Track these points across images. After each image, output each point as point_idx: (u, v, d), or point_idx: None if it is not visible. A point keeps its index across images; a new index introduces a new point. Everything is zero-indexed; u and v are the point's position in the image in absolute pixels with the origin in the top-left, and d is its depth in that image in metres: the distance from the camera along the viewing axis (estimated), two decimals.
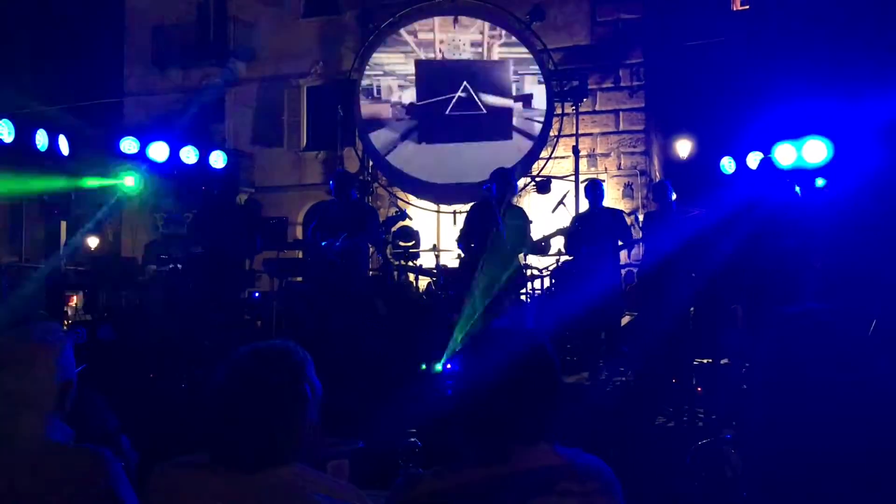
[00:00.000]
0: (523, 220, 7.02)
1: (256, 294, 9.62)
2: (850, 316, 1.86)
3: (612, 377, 6.53)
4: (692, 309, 7.00)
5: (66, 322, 9.08)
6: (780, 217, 6.24)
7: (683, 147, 14.15)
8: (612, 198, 14.05)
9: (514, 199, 9.01)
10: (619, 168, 15.29)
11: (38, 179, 8.45)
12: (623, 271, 8.21)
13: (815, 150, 6.70)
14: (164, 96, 18.34)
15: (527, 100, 13.48)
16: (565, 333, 7.22)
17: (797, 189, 6.68)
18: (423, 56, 14.21)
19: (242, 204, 16.29)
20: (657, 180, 14.32)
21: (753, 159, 7.74)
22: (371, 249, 8.02)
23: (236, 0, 18.59)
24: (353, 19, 16.92)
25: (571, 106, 13.00)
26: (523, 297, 8.02)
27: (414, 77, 14.01)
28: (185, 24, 18.93)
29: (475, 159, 12.53)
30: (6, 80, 17.17)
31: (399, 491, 1.72)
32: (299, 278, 8.81)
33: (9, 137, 7.33)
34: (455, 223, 12.06)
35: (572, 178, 12.52)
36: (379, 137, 13.71)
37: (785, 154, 6.84)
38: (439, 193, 13.24)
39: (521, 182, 12.86)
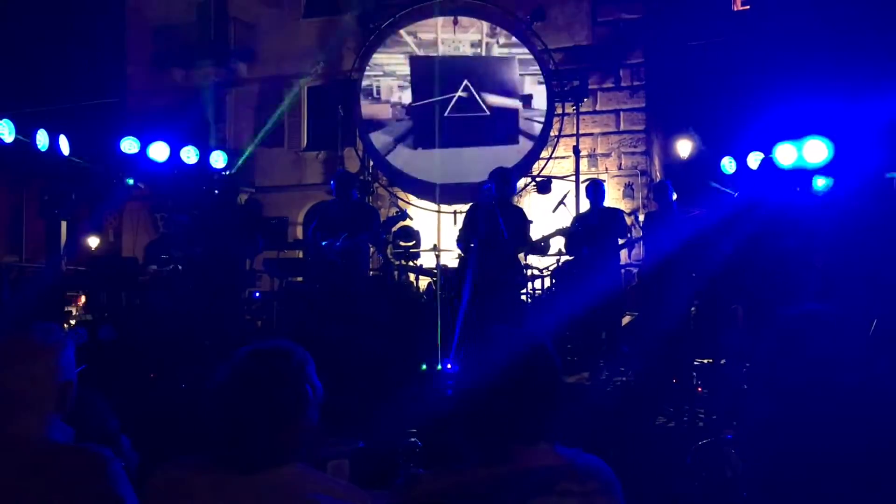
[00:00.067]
0: (523, 220, 7.03)
1: (257, 294, 9.63)
2: (851, 317, 1.86)
3: (612, 377, 6.53)
4: (694, 309, 7.01)
5: (70, 322, 9.09)
6: (780, 217, 6.24)
7: (684, 147, 14.15)
8: (613, 198, 14.04)
9: (515, 199, 9.00)
10: (619, 168, 15.27)
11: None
12: (623, 271, 8.21)
13: (815, 151, 6.70)
14: (164, 96, 18.33)
15: (527, 100, 13.47)
16: (566, 333, 7.23)
17: (817, 183, 6.67)
18: (419, 53, 13.93)
19: (243, 204, 16.30)
20: (658, 180, 14.32)
21: (754, 159, 7.74)
22: (371, 249, 8.02)
23: (237, 0, 18.59)
24: (353, 19, 16.89)
25: (572, 106, 13.01)
26: (524, 297, 8.02)
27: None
28: (185, 25, 18.91)
29: (476, 160, 12.46)
30: (6, 80, 17.19)
31: (399, 491, 1.73)
32: (300, 278, 8.82)
33: (9, 137, 7.33)
34: (455, 223, 12.05)
35: (573, 178, 12.52)
36: (379, 138, 13.71)
37: (785, 154, 6.84)
38: (440, 193, 13.23)
39: (521, 182, 12.87)
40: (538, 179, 13.06)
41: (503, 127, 13.62)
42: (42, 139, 7.68)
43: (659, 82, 15.17)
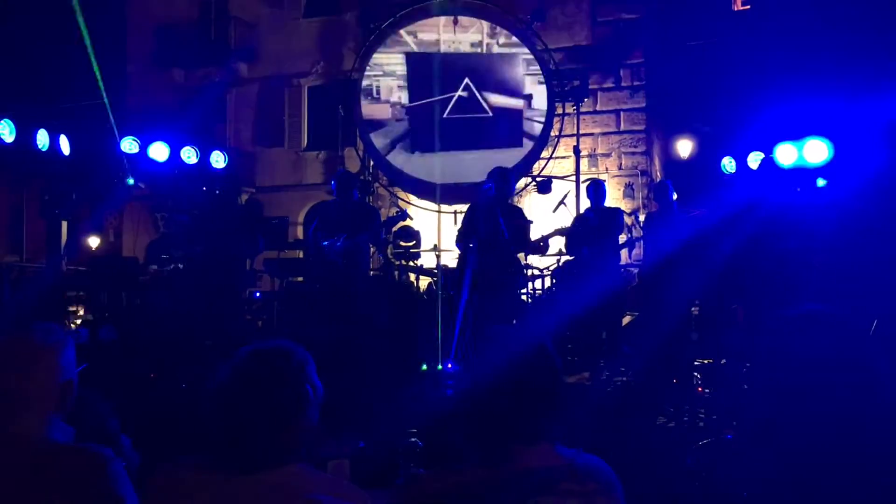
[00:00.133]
0: (523, 220, 7.03)
1: (257, 294, 9.63)
2: (851, 317, 1.85)
3: (612, 377, 6.53)
4: (696, 309, 7.01)
5: (76, 322, 9.09)
6: (780, 218, 6.24)
7: (684, 147, 14.15)
8: (613, 198, 14.05)
9: (515, 200, 8.99)
10: (619, 168, 15.28)
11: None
12: (623, 271, 8.21)
13: (815, 151, 6.69)
14: (165, 96, 18.34)
15: (527, 100, 13.45)
16: (566, 333, 7.22)
17: (821, 182, 6.67)
18: (416, 50, 13.53)
19: (243, 204, 16.30)
20: (658, 180, 14.32)
21: (754, 159, 7.73)
22: (372, 249, 8.02)
23: (237, 0, 18.60)
24: (353, 19, 16.91)
25: (572, 106, 13.01)
26: (524, 297, 8.02)
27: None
28: (186, 24, 18.93)
29: (476, 160, 12.41)
30: (7, 80, 17.19)
31: (400, 491, 1.73)
32: (300, 278, 8.82)
33: (10, 137, 7.33)
34: (455, 223, 12.05)
35: (573, 178, 12.52)
36: (379, 138, 13.70)
37: (786, 154, 6.84)
38: (440, 194, 13.22)
39: (521, 182, 12.86)
40: (538, 179, 13.06)
41: (506, 129, 13.28)
42: (42, 139, 7.68)
43: (659, 82, 15.17)
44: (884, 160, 6.43)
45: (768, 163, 7.08)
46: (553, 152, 13.44)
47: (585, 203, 8.42)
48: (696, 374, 6.42)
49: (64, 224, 10.12)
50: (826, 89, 10.03)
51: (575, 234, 7.46)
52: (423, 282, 9.11)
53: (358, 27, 16.37)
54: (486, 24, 13.51)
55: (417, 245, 10.15)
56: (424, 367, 6.29)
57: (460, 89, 13.30)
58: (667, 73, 14.91)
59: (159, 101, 18.04)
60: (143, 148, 8.58)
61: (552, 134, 13.29)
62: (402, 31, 13.78)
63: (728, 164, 8.15)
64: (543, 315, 7.37)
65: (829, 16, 12.62)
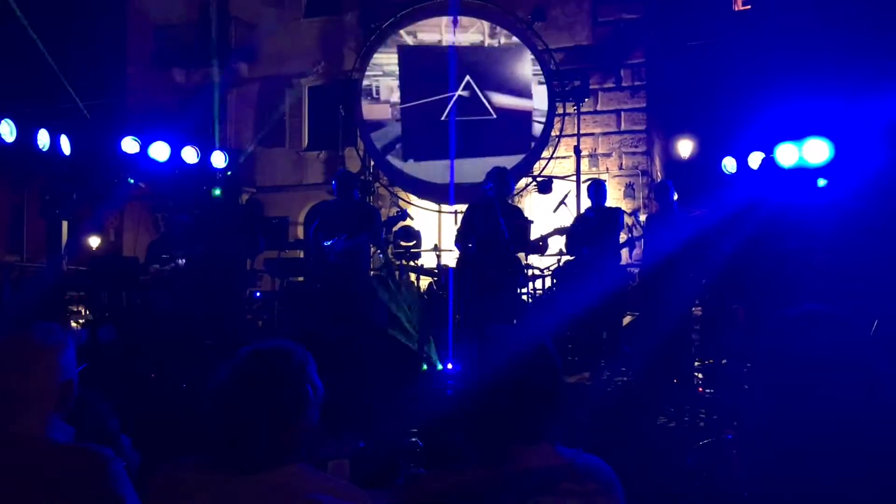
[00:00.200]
0: (522, 220, 7.04)
1: (258, 294, 9.63)
2: (852, 317, 1.85)
3: (613, 377, 6.53)
4: (699, 310, 7.01)
5: (79, 322, 9.09)
6: (781, 218, 6.23)
7: (685, 147, 14.15)
8: (614, 198, 14.05)
9: (516, 200, 8.97)
10: (620, 168, 15.28)
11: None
12: (624, 271, 8.21)
13: (816, 151, 6.69)
14: (165, 96, 18.35)
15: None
16: (567, 333, 7.22)
17: (821, 182, 6.66)
18: (410, 43, 12.69)
19: (244, 204, 16.30)
20: (658, 180, 14.32)
21: (755, 159, 7.73)
22: (372, 249, 8.03)
23: (238, 0, 18.61)
24: (354, 19, 16.92)
25: (573, 106, 13.00)
26: (525, 297, 8.02)
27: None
28: (186, 24, 18.94)
29: (478, 166, 12.16)
30: (7, 80, 17.20)
31: (400, 491, 1.73)
32: (300, 278, 8.82)
33: (10, 137, 7.33)
34: (456, 223, 12.03)
35: (574, 178, 12.52)
36: (379, 138, 13.69)
37: (786, 154, 6.84)
38: (440, 193, 13.21)
39: (522, 182, 12.86)
40: (539, 179, 13.05)
41: (512, 133, 12.50)
42: (43, 139, 7.68)
43: (660, 82, 15.17)
44: (884, 160, 6.42)
45: (769, 163, 7.08)
46: (554, 152, 13.44)
47: (586, 203, 8.42)
48: (696, 374, 6.42)
49: (64, 224, 10.12)
50: (826, 89, 10.03)
51: (575, 233, 7.46)
52: (424, 282, 9.12)
53: (358, 27, 16.38)
54: (486, 24, 13.48)
55: (418, 245, 10.15)
56: (425, 367, 6.29)
57: (460, 88, 12.92)
58: (667, 73, 14.91)
59: (159, 101, 18.05)
60: (144, 148, 8.58)
61: (553, 134, 13.28)
62: (402, 32, 13.77)
63: (728, 164, 8.14)
64: (544, 315, 7.37)
65: (830, 16, 12.61)
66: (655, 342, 6.08)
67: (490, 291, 6.56)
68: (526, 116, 12.59)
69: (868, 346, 1.82)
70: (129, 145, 8.49)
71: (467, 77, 12.83)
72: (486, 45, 13.33)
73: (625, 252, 8.09)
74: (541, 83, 13.15)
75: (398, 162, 13.52)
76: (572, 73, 13.33)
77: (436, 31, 13.62)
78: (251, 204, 16.94)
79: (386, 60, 13.83)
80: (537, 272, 8.54)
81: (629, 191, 14.97)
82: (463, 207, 7.78)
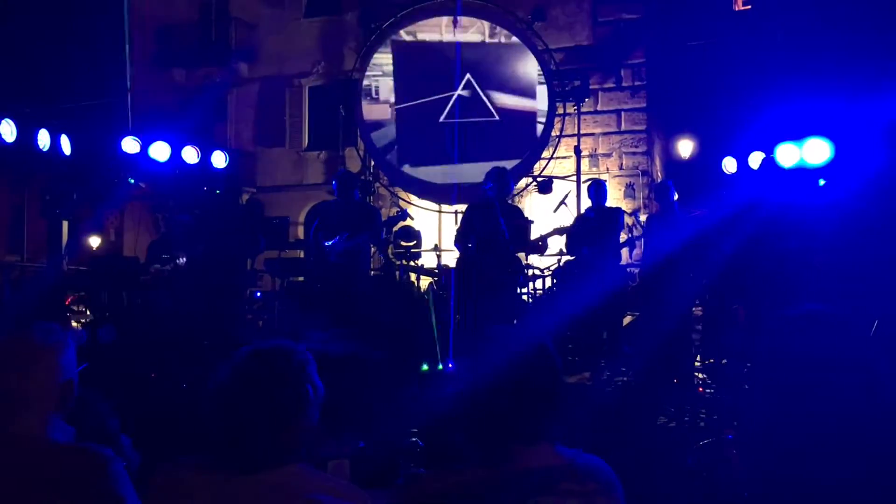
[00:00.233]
0: (522, 220, 7.05)
1: (258, 294, 9.63)
2: (852, 317, 1.85)
3: (613, 377, 6.53)
4: (698, 309, 7.01)
5: (81, 322, 9.09)
6: (781, 218, 6.23)
7: (685, 147, 14.15)
8: (614, 198, 14.05)
9: (516, 200, 8.96)
10: (620, 168, 15.28)
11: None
12: (625, 271, 8.21)
13: (816, 151, 6.69)
14: (165, 96, 18.35)
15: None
16: (567, 333, 7.22)
17: (821, 182, 6.66)
18: (407, 40, 12.18)
19: (244, 204, 16.31)
20: (659, 180, 14.32)
21: (755, 159, 7.72)
22: (373, 249, 8.03)
23: (238, 0, 18.62)
24: (354, 19, 16.93)
25: (573, 106, 13.01)
26: (525, 297, 8.02)
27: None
28: (187, 25, 18.96)
29: (476, 165, 11.97)
30: (8, 80, 17.20)
31: (400, 491, 1.73)
32: (301, 278, 8.82)
33: (11, 137, 7.33)
34: (456, 223, 12.01)
35: (574, 178, 12.52)
36: (379, 138, 13.69)
37: (787, 154, 6.83)
38: (441, 193, 13.22)
39: (522, 182, 12.86)
40: (539, 179, 13.06)
41: (516, 135, 12.12)
42: (43, 139, 7.68)
43: (660, 82, 15.17)
44: (884, 160, 6.42)
45: (769, 163, 7.07)
46: (554, 152, 13.44)
47: (586, 203, 8.42)
48: (696, 374, 6.42)
49: (65, 224, 10.12)
50: (827, 89, 10.02)
51: (575, 233, 7.46)
52: (424, 282, 9.12)
53: (359, 27, 16.38)
54: (486, 24, 13.49)
55: (418, 245, 10.15)
56: (425, 367, 6.28)
57: (460, 87, 12.78)
58: (668, 73, 14.91)
59: (160, 101, 18.06)
60: (144, 148, 8.57)
61: (553, 134, 13.28)
62: (402, 32, 13.78)
63: (729, 164, 8.14)
64: (544, 315, 7.36)
65: (830, 16, 12.61)
66: (655, 342, 6.08)
67: (490, 291, 6.56)
68: (529, 117, 12.25)
69: (868, 347, 1.82)
70: (130, 145, 8.49)
71: (468, 75, 12.58)
72: (486, 43, 13.20)
73: (625, 252, 8.09)
74: (541, 83, 13.15)
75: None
76: (572, 73, 13.34)
77: (436, 31, 13.62)
78: (251, 204, 16.95)
79: (386, 60, 13.83)
80: (537, 272, 8.54)
81: (629, 191, 14.97)
82: (463, 207, 7.78)
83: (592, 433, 3.90)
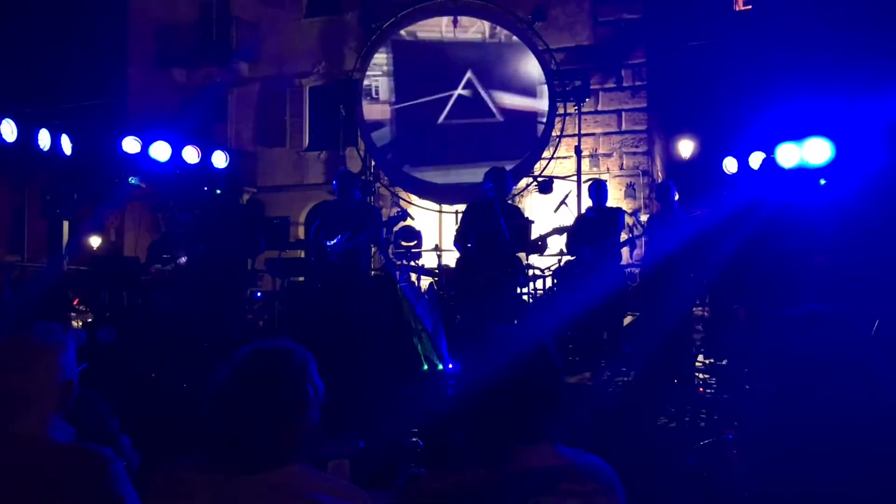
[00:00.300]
0: (522, 220, 7.05)
1: (259, 294, 9.64)
2: (852, 317, 1.85)
3: (614, 377, 6.53)
4: (699, 309, 7.01)
5: (86, 321, 9.09)
6: (781, 218, 6.23)
7: (686, 147, 14.15)
8: (615, 198, 14.05)
9: (517, 200, 8.95)
10: (621, 168, 15.28)
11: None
12: (625, 271, 8.21)
13: (817, 151, 6.68)
14: (166, 96, 18.36)
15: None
16: (567, 333, 7.22)
17: (822, 182, 6.66)
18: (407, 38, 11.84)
19: (245, 204, 16.32)
20: (659, 180, 14.32)
21: (756, 159, 7.72)
22: (373, 249, 8.03)
23: (239, 0, 18.62)
24: (355, 19, 16.93)
25: (574, 106, 13.00)
26: (525, 297, 8.02)
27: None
28: (187, 24, 18.96)
29: (475, 149, 11.74)
30: (8, 80, 17.21)
31: (400, 491, 1.73)
32: (301, 278, 8.82)
33: (11, 137, 7.33)
34: (457, 223, 11.98)
35: (574, 178, 12.52)
36: (380, 138, 13.69)
37: (787, 154, 6.83)
38: (441, 193, 13.22)
39: (523, 182, 12.86)
40: (540, 179, 13.05)
41: (519, 136, 11.85)
42: (44, 139, 7.69)
43: (660, 82, 15.17)
44: (885, 160, 6.42)
45: (769, 163, 7.07)
46: (554, 152, 13.44)
47: (587, 203, 8.42)
48: (697, 374, 6.42)
49: (65, 224, 10.11)
50: (827, 89, 10.02)
51: (576, 233, 7.46)
52: (425, 281, 9.12)
53: (359, 27, 16.38)
54: (486, 24, 13.49)
55: (419, 245, 10.15)
56: (426, 367, 6.28)
57: (461, 87, 12.59)
58: (668, 73, 14.91)
59: (160, 101, 18.06)
60: (145, 148, 8.58)
61: (553, 134, 13.28)
62: (402, 32, 13.78)
63: (729, 164, 8.14)
64: (544, 315, 7.37)
65: (831, 16, 12.61)
66: (656, 342, 6.08)
67: (490, 291, 6.56)
68: (531, 117, 12.01)
69: (868, 347, 1.82)
70: (130, 145, 8.49)
71: (469, 73, 12.36)
72: (487, 42, 13.10)
73: (625, 252, 8.09)
74: (542, 83, 13.15)
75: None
76: (573, 73, 13.32)
77: (436, 31, 13.62)
78: (252, 204, 16.95)
79: (386, 60, 13.83)
80: (538, 272, 8.54)
81: (630, 191, 14.97)
82: (463, 207, 7.78)
83: (593, 433, 3.91)
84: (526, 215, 7.59)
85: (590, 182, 8.12)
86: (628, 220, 8.03)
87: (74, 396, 1.98)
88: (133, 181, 8.96)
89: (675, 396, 5.74)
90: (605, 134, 15.35)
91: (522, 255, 7.53)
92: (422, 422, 3.17)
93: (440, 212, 13.66)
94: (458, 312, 7.29)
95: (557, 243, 7.73)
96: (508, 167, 7.61)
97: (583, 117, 13.36)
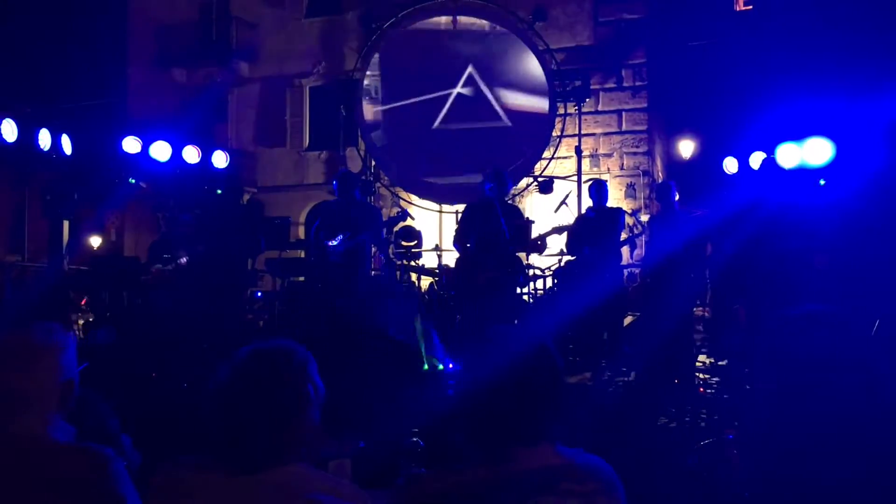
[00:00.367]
0: (522, 220, 7.05)
1: (259, 294, 9.63)
2: (852, 317, 1.85)
3: (614, 377, 6.53)
4: (699, 309, 7.01)
5: (85, 320, 9.10)
6: (782, 218, 6.23)
7: (686, 147, 14.15)
8: (615, 198, 14.05)
9: (517, 200, 8.95)
10: (621, 168, 15.28)
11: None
12: (626, 271, 8.21)
13: (817, 151, 6.68)
14: (166, 96, 18.37)
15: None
16: (567, 333, 7.22)
17: (822, 182, 6.66)
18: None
19: (245, 204, 16.32)
20: (660, 181, 14.32)
21: (756, 160, 7.72)
22: (373, 249, 8.03)
23: (238, 0, 18.62)
24: (355, 19, 16.92)
25: (574, 106, 13.00)
26: (525, 297, 8.02)
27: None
28: (187, 24, 18.96)
29: (477, 158, 11.89)
30: (8, 80, 17.21)
31: (401, 491, 1.73)
32: (301, 278, 8.82)
33: (12, 137, 7.34)
34: (457, 223, 11.94)
35: (575, 178, 12.52)
36: (380, 138, 13.69)
37: (788, 154, 6.83)
38: (441, 193, 13.22)
39: (523, 182, 12.86)
40: (540, 179, 13.05)
41: (527, 139, 11.24)
42: (44, 139, 7.69)
43: (661, 82, 15.17)
44: (885, 160, 6.41)
45: (770, 163, 7.07)
46: (555, 152, 13.44)
47: (587, 203, 8.41)
48: (697, 374, 6.41)
49: (66, 223, 10.12)
50: (828, 89, 10.02)
51: (576, 233, 7.46)
52: (425, 281, 9.12)
53: (359, 27, 16.38)
54: (486, 24, 13.47)
55: (419, 245, 10.15)
56: (426, 367, 6.28)
57: (460, 84, 11.86)
58: (669, 74, 14.92)
59: (161, 101, 18.07)
60: (145, 147, 8.58)
61: (554, 134, 13.28)
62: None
63: (730, 164, 8.14)
64: (544, 315, 7.36)
65: (831, 16, 12.61)
66: (656, 342, 6.08)
67: (490, 291, 6.56)
68: (542, 119, 11.15)
69: (868, 347, 1.82)
70: (131, 145, 8.49)
71: (470, 68, 11.28)
72: (490, 33, 12.39)
73: (625, 252, 8.09)
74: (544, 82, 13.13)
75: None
76: (573, 73, 13.31)
77: (432, 23, 13.55)
78: (252, 204, 16.95)
79: (378, 57, 13.79)
80: (538, 272, 8.54)
81: (630, 191, 14.97)
82: (463, 207, 7.77)
83: (593, 433, 3.90)
84: (526, 215, 7.59)
85: (590, 182, 8.12)
86: (628, 220, 8.03)
87: (75, 396, 1.98)
88: (133, 181, 8.96)
89: (676, 396, 5.74)
90: (606, 134, 15.36)
91: (522, 255, 7.53)
92: (422, 422, 3.17)
93: (440, 212, 13.65)
94: (458, 312, 7.29)
95: (557, 243, 7.73)
96: (510, 169, 7.50)
97: (583, 117, 13.35)
